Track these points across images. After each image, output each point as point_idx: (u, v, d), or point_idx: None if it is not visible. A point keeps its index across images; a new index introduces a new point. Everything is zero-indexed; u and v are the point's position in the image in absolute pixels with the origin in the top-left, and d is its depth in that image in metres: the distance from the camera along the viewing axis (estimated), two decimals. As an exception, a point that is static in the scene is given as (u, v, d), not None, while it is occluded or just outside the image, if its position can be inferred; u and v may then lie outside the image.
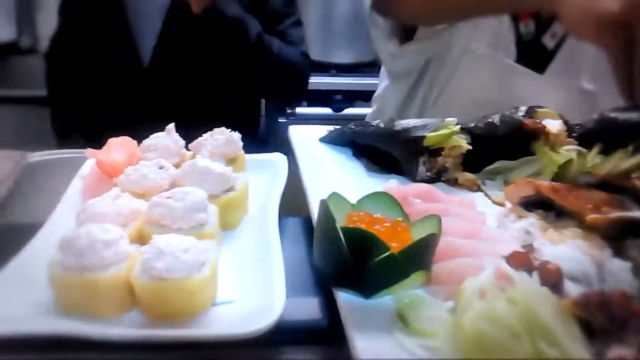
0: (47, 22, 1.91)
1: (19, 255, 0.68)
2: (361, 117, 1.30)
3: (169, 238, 0.63)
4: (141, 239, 0.69)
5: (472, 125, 0.95)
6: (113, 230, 0.64)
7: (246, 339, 0.58)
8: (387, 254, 0.59)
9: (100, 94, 1.65)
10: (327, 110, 2.62)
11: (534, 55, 1.20)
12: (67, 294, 0.62)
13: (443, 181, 0.93)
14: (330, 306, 0.66)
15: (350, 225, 0.64)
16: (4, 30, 2.82)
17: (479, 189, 0.92)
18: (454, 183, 0.93)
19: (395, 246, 0.62)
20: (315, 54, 2.47)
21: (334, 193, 0.69)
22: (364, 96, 2.51)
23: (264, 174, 0.92)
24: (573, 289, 0.60)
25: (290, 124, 1.06)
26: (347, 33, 2.73)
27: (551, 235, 0.71)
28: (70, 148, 1.11)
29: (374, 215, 0.68)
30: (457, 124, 0.91)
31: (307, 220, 0.84)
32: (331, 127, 1.04)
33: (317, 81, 2.45)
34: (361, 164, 0.96)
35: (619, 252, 0.68)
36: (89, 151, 0.89)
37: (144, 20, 1.55)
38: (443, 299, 0.61)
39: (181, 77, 1.57)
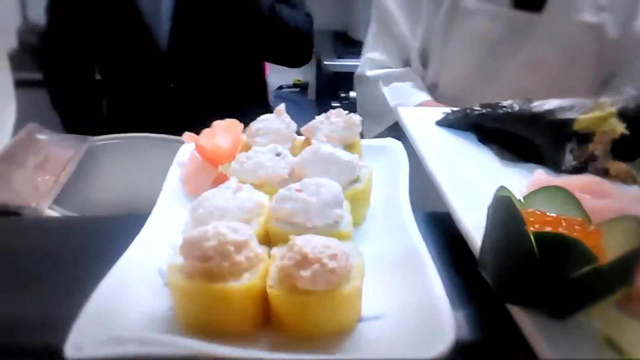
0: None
1: (123, 258, 0.57)
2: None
3: (311, 240, 0.52)
4: (267, 239, 0.59)
5: (621, 106, 0.81)
6: (243, 229, 0.53)
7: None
8: (594, 265, 0.47)
9: (117, 82, 1.65)
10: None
11: None
12: (190, 306, 0.52)
13: (591, 172, 0.79)
14: (497, 324, 0.55)
15: (531, 228, 0.52)
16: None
17: (636, 182, 0.78)
18: (604, 174, 0.79)
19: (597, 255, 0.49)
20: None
21: (501, 187, 0.57)
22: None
23: (382, 162, 0.80)
24: None
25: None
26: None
27: None
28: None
29: (556, 216, 0.55)
30: (613, 105, 0.77)
31: (437, 216, 0.73)
32: (447, 109, 0.91)
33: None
34: (491, 151, 0.84)
35: None
36: (186, 135, 0.79)
37: (155, 6, 1.52)
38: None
39: (199, 57, 1.56)
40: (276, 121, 0.75)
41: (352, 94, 2.47)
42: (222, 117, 0.79)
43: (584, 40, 1.22)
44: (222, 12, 1.49)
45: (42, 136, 1.07)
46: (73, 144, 1.07)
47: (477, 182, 0.73)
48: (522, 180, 0.73)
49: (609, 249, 0.53)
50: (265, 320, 0.53)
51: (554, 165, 0.79)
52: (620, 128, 0.77)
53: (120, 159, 1.09)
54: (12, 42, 2.58)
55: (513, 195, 0.58)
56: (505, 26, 1.21)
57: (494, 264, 0.52)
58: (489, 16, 1.20)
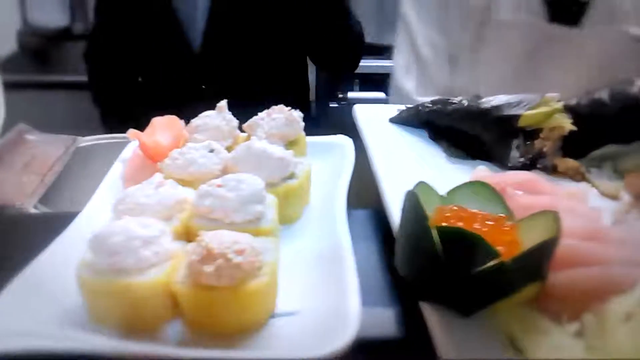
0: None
1: (45, 253, 0.57)
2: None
3: (220, 235, 0.51)
4: (187, 236, 0.58)
5: (574, 102, 0.80)
6: (154, 225, 0.53)
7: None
8: (497, 262, 0.46)
9: (151, 83, 1.62)
10: (380, 94, 2.47)
11: (564, 9, 1.11)
12: (98, 302, 0.52)
13: (539, 169, 0.78)
14: (411, 320, 0.54)
15: (444, 224, 0.51)
16: (57, 17, 2.82)
17: (584, 178, 0.77)
18: (552, 171, 0.78)
19: (501, 251, 0.49)
20: (369, 36, 2.37)
21: (421, 182, 0.56)
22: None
23: (328, 159, 0.80)
24: None
25: (341, 109, 0.95)
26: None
27: (693, 238, 0.56)
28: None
29: (473, 211, 0.54)
30: (559, 101, 0.76)
31: (378, 213, 0.72)
32: (401, 107, 0.90)
33: (369, 64, 2.33)
34: (440, 148, 0.83)
35: None
36: (131, 132, 0.78)
37: (190, 6, 1.49)
38: (563, 320, 0.47)
39: (233, 59, 1.51)
40: (216, 118, 0.74)
41: (350, 94, 2.46)
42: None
43: (631, 54, 1.12)
44: (275, 11, 1.46)
45: (31, 137, 1.08)
46: (61, 145, 1.07)
47: (419, 179, 0.72)
48: (466, 177, 0.72)
49: (527, 244, 0.51)
50: (174, 316, 0.52)
51: (500, 161, 0.78)
52: (567, 124, 0.76)
53: (108, 160, 1.09)
54: (12, 45, 2.60)
55: (434, 190, 0.57)
56: (540, 38, 1.14)
57: (404, 260, 0.51)
58: (524, 28, 1.13)
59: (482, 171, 0.71)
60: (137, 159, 0.75)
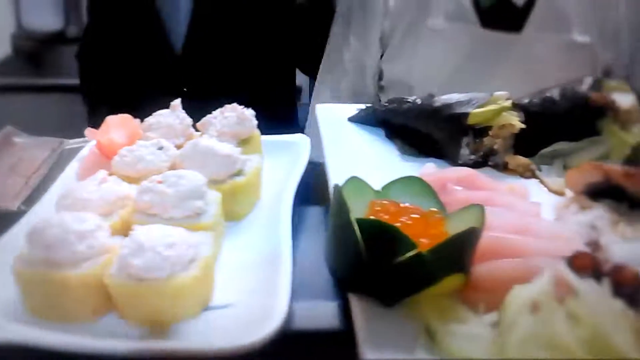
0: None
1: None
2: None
3: (151, 230, 0.52)
4: (127, 231, 0.59)
5: (526, 101, 0.81)
6: (90, 219, 0.54)
7: (239, 353, 0.47)
8: (414, 252, 0.47)
9: (134, 84, 1.60)
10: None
11: (503, 16, 1.09)
12: (34, 294, 0.53)
13: (491, 166, 0.80)
14: (346, 312, 0.55)
15: (371, 217, 0.52)
16: (51, 20, 2.83)
17: (534, 175, 0.78)
18: (503, 168, 0.79)
19: (425, 243, 0.50)
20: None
21: (353, 177, 0.58)
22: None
23: (284, 157, 0.81)
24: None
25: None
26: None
27: (623, 231, 0.58)
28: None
29: (402, 205, 0.55)
30: (508, 99, 0.77)
31: (329, 210, 0.73)
32: (361, 106, 0.92)
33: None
34: (395, 146, 0.84)
35: None
36: (88, 131, 0.80)
37: (173, 7, 1.48)
38: (483, 311, 0.48)
39: (214, 62, 1.50)
40: (170, 116, 0.76)
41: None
42: None
43: (574, 60, 1.10)
44: (260, 15, 1.45)
45: (18, 139, 1.09)
46: (48, 147, 1.09)
47: (371, 177, 0.74)
48: (416, 174, 0.73)
49: (455, 237, 0.53)
50: (109, 309, 0.53)
51: (452, 159, 0.79)
52: (515, 122, 0.77)
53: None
54: (5, 48, 2.62)
55: (367, 185, 0.59)
56: (478, 45, 1.11)
57: (331, 253, 0.52)
58: (458, 35, 1.11)
59: (429, 168, 0.72)
60: (92, 157, 0.76)
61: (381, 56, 1.21)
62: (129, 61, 1.58)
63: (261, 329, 0.48)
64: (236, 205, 0.68)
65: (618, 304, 0.41)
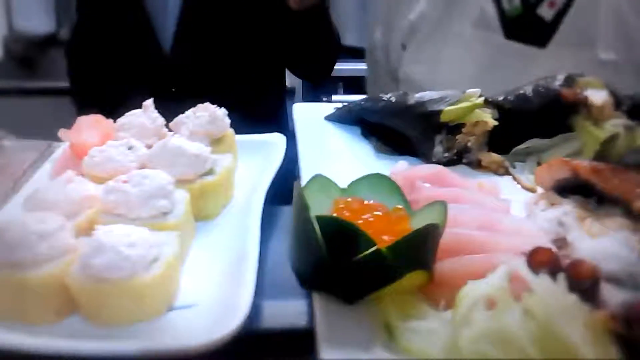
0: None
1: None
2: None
3: (113, 230, 0.52)
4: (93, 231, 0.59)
5: (501, 98, 0.81)
6: (51, 219, 0.54)
7: (198, 352, 0.47)
8: (373, 249, 0.47)
9: (121, 83, 1.59)
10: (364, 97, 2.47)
11: (528, 29, 1.06)
12: (-5, 295, 0.53)
13: (465, 163, 0.80)
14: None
15: (331, 215, 0.52)
16: (44, 23, 2.83)
17: (507, 172, 0.78)
18: (477, 165, 0.79)
19: (387, 240, 0.50)
20: (352, 39, 2.36)
21: (318, 175, 0.58)
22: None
23: (259, 157, 0.81)
24: (615, 296, 0.46)
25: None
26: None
27: (590, 227, 0.57)
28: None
29: (366, 202, 0.55)
30: (481, 96, 0.77)
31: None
32: (339, 105, 0.92)
33: (352, 67, 2.33)
34: (370, 144, 0.84)
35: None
36: (62, 132, 0.79)
37: (162, 6, 1.45)
38: (444, 308, 0.48)
39: (204, 62, 1.48)
40: (142, 116, 0.75)
41: (335, 97, 2.46)
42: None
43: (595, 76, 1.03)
44: (250, 16, 1.43)
45: (7, 142, 1.09)
46: (36, 150, 1.08)
47: (345, 176, 0.73)
48: (389, 173, 0.73)
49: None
50: (72, 309, 0.53)
51: (425, 156, 0.79)
52: (488, 119, 0.77)
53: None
54: (-2, 51, 2.62)
55: (333, 183, 0.59)
56: (499, 55, 1.10)
57: (294, 251, 0.52)
58: (480, 43, 1.10)
59: (401, 165, 0.72)
60: (65, 157, 0.76)
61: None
62: (117, 61, 1.56)
63: (222, 327, 0.48)
64: (207, 205, 0.68)
65: (572, 299, 0.41)
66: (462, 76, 1.10)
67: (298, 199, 0.50)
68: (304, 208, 0.49)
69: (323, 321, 0.48)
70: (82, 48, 1.63)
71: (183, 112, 0.79)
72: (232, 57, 1.48)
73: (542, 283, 0.41)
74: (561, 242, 0.58)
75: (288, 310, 0.58)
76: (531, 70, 1.00)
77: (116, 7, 1.48)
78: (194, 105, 0.79)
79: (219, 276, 0.58)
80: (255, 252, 0.58)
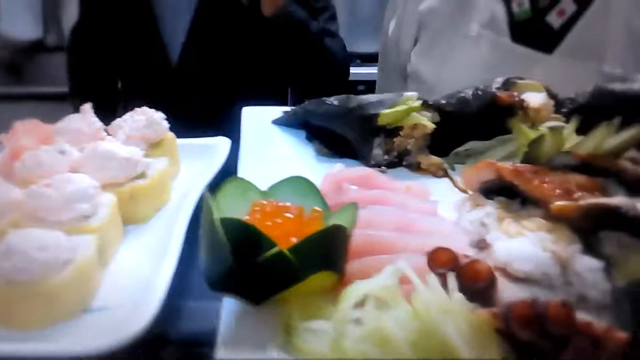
0: (73, 20, 1.88)
1: None
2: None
3: (24, 233, 0.52)
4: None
5: (443, 101, 0.81)
6: (-36, 223, 0.54)
7: (101, 355, 0.47)
8: (275, 250, 0.47)
9: (128, 92, 1.62)
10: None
11: (535, 35, 1.06)
12: None
13: (405, 166, 0.80)
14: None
15: (235, 217, 0.52)
16: (30, 29, 2.84)
17: (446, 174, 0.78)
18: (417, 168, 0.80)
19: (295, 242, 0.50)
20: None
21: (236, 178, 0.58)
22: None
23: (201, 161, 0.81)
24: (516, 296, 0.47)
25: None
26: (372, 21, 2.60)
27: (507, 227, 0.58)
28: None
29: (281, 204, 0.55)
30: (419, 99, 0.78)
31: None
32: (287, 108, 0.92)
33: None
34: (312, 147, 0.84)
35: (590, 248, 0.54)
36: (3, 137, 0.79)
37: (172, 18, 1.48)
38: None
39: (209, 76, 1.50)
40: (79, 120, 0.76)
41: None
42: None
43: None
44: (253, 33, 1.44)
45: None
46: None
47: (279, 180, 0.74)
48: (328, 176, 0.73)
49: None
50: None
51: (365, 159, 0.79)
52: (425, 122, 0.77)
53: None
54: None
55: (253, 186, 0.59)
56: (504, 57, 1.09)
57: (202, 253, 0.52)
58: (492, 43, 1.09)
59: (336, 168, 0.72)
60: (2, 162, 0.76)
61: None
62: (124, 70, 1.59)
63: (128, 330, 0.48)
64: (138, 208, 0.69)
65: (457, 299, 0.41)
66: (468, 76, 1.08)
67: (205, 203, 0.50)
68: (208, 212, 0.49)
69: (226, 322, 0.48)
70: (88, 54, 1.63)
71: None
72: (238, 70, 1.50)
73: (427, 283, 0.41)
74: (482, 242, 0.58)
75: (200, 313, 0.58)
76: (536, 76, 0.96)
77: (126, 15, 1.50)
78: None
79: (140, 279, 0.58)
80: (174, 255, 0.58)
